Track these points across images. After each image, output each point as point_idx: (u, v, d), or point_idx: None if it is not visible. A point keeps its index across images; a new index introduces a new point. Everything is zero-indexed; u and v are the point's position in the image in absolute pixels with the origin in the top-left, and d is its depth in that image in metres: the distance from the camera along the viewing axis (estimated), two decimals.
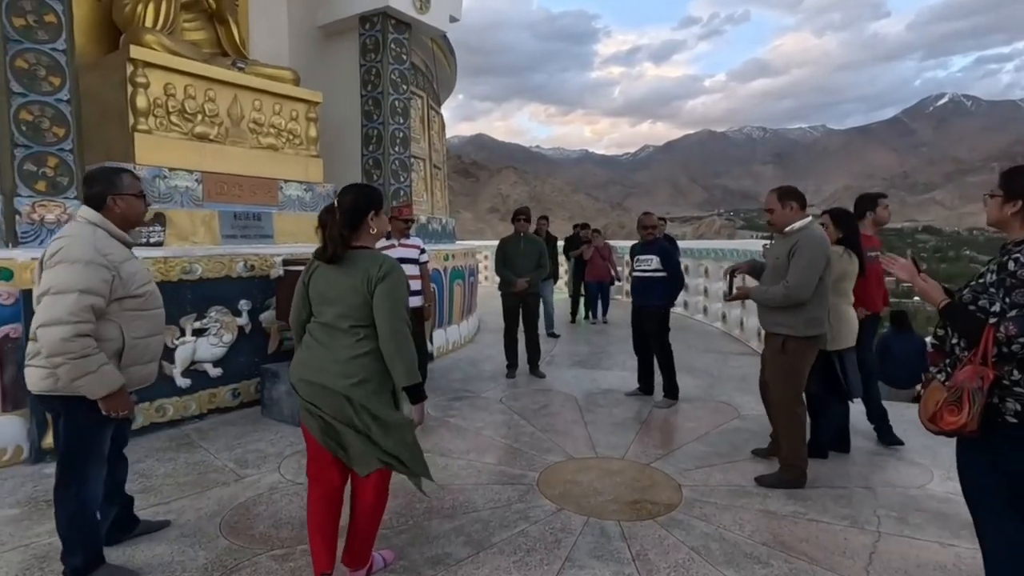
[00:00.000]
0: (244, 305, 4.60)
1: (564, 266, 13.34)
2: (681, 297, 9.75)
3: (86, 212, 2.21)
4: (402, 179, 6.38)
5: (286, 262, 4.54)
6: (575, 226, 10.39)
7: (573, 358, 6.78)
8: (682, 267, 5.05)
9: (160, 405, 4.12)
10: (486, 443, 3.95)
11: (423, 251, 5.01)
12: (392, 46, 6.13)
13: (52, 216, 3.74)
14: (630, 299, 5.20)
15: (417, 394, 2.09)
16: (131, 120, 4.65)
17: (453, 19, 6.75)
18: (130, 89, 4.62)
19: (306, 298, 2.17)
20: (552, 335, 8.05)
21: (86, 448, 2.15)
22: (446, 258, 6.87)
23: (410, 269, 4.87)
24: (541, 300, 7.38)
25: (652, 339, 4.96)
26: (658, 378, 5.03)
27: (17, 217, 3.62)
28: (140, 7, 5.13)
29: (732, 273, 3.63)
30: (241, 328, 4.60)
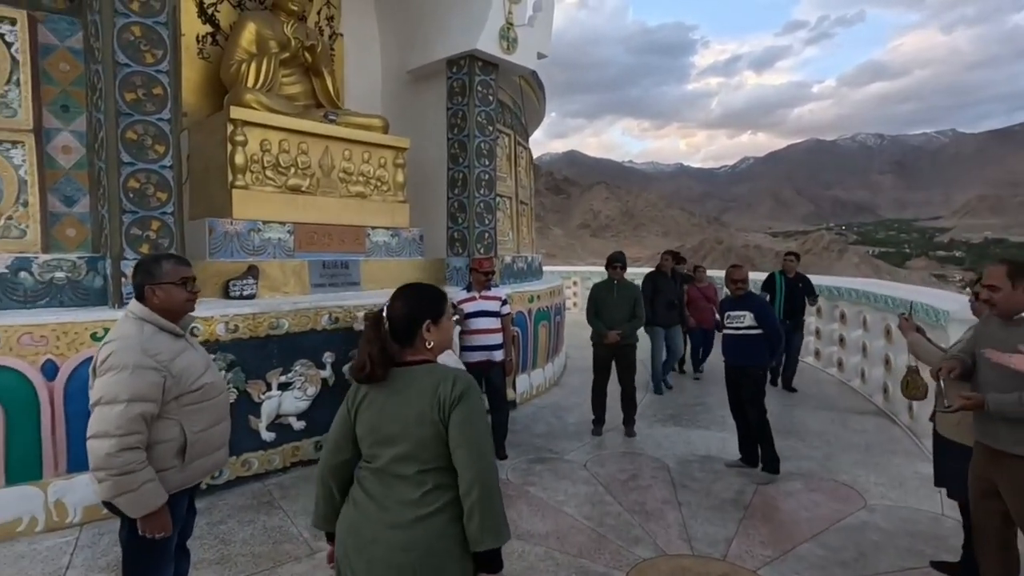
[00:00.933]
0: (328, 358, 4.61)
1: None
2: (812, 345, 8.67)
3: (134, 306, 2.18)
4: (487, 222, 6.25)
5: (367, 316, 4.50)
6: (665, 254, 9.36)
7: (665, 411, 6.27)
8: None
9: (246, 459, 4.18)
10: (567, 525, 3.61)
11: (504, 302, 4.81)
12: (479, 88, 6.05)
13: None
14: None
15: (495, 564, 1.54)
16: (230, 177, 4.86)
17: (541, 56, 6.59)
18: (229, 147, 4.84)
19: (351, 434, 1.65)
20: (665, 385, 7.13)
21: (149, 554, 2.09)
22: (531, 300, 6.64)
23: (491, 322, 4.69)
24: (669, 347, 7.09)
25: (748, 404, 4.42)
26: None
27: (123, 279, 3.81)
28: (244, 66, 5.41)
29: (944, 374, 2.62)
30: (325, 381, 4.61)
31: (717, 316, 7.48)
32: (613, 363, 5.57)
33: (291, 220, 5.15)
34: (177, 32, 4.04)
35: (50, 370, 3.49)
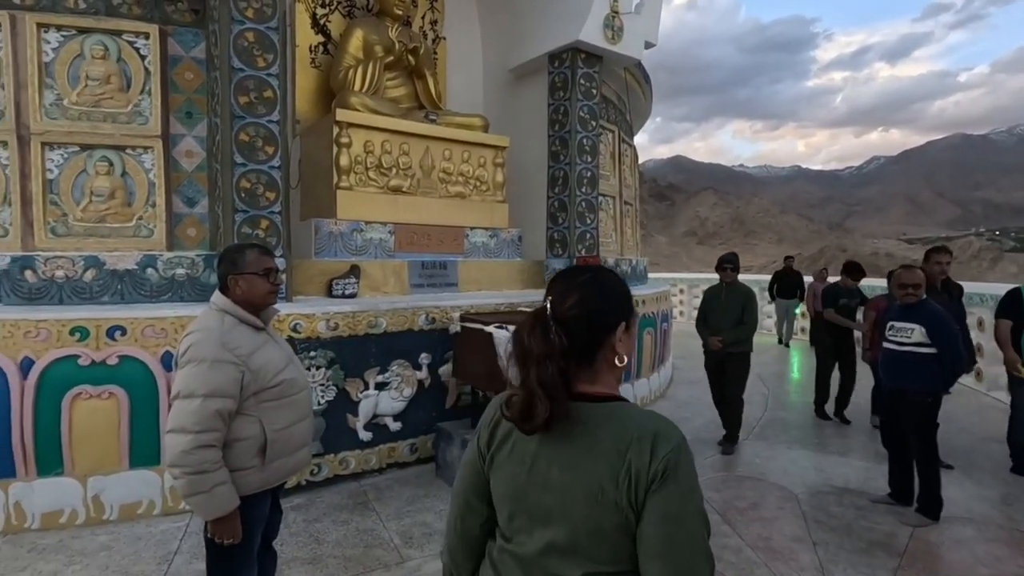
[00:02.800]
0: (424, 359, 4.52)
1: (770, 314, 11.84)
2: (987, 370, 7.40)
3: (216, 297, 2.11)
4: (588, 221, 5.93)
5: (463, 317, 4.36)
6: (788, 258, 8.85)
7: (791, 431, 5.55)
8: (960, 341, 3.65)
9: (343, 458, 4.17)
10: None
11: None
12: (581, 81, 5.77)
13: None
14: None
15: None
16: (335, 178, 4.95)
17: (649, 45, 6.19)
18: (335, 149, 4.93)
19: (484, 495, 1.12)
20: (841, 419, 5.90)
21: (230, 555, 2.00)
22: (636, 305, 6.20)
23: None
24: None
25: (912, 435, 3.70)
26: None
27: None
28: (351, 72, 5.54)
29: None
30: (421, 382, 4.52)
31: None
32: (720, 372, 5.09)
33: (392, 221, 5.16)
34: (287, 37, 4.17)
35: (168, 361, 3.66)
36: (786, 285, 10.68)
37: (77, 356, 3.49)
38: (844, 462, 4.66)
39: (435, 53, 6.59)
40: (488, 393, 4.32)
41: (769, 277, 11.54)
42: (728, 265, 5.10)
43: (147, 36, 4.08)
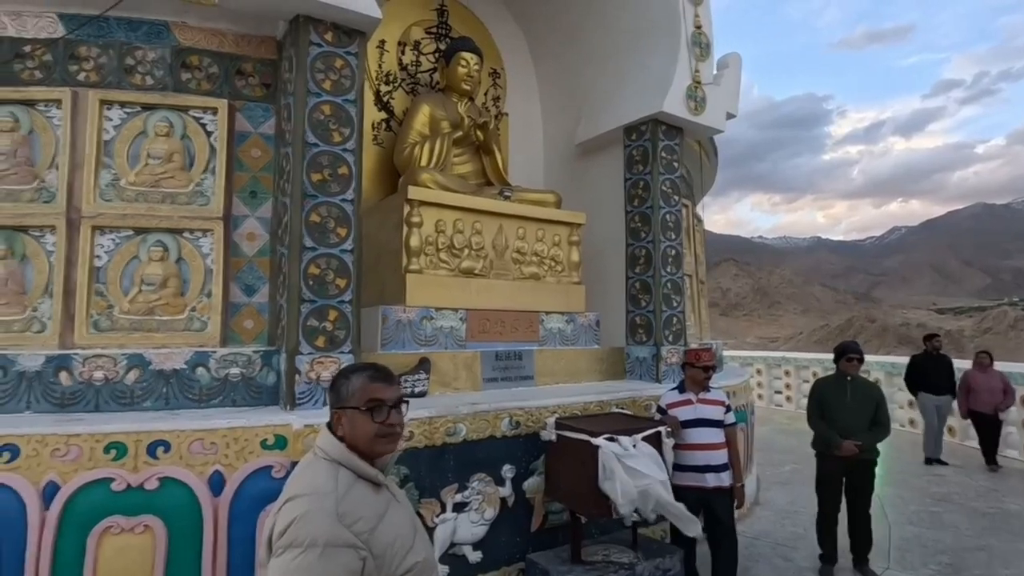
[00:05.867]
0: (508, 472, 3.81)
1: (914, 421, 9.29)
2: None
3: (324, 440, 1.52)
4: (675, 304, 5.32)
5: (560, 424, 3.68)
6: (931, 338, 7.92)
7: (940, 553, 4.61)
8: None
9: None
10: None
11: (729, 408, 3.76)
12: (663, 154, 5.35)
13: (327, 373, 3.44)
14: None
15: None
16: (404, 260, 4.47)
17: (730, 116, 5.81)
18: (405, 230, 4.48)
19: None
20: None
21: None
22: (729, 395, 5.47)
23: (712, 435, 3.65)
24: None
25: None
26: None
27: (297, 376, 3.37)
28: (417, 149, 5.20)
29: None
30: (504, 500, 3.79)
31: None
32: (844, 483, 4.32)
33: (464, 306, 4.62)
34: (362, 111, 3.81)
35: (217, 483, 3.03)
36: (935, 374, 7.75)
37: (111, 479, 2.88)
38: None
39: (498, 130, 6.29)
40: (584, 518, 3.58)
41: (829, 357, 9.89)
42: (855, 356, 4.42)
43: (215, 111, 3.75)
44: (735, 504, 3.71)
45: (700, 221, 7.39)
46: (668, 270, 5.30)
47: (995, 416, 7.38)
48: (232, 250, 3.73)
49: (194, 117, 3.72)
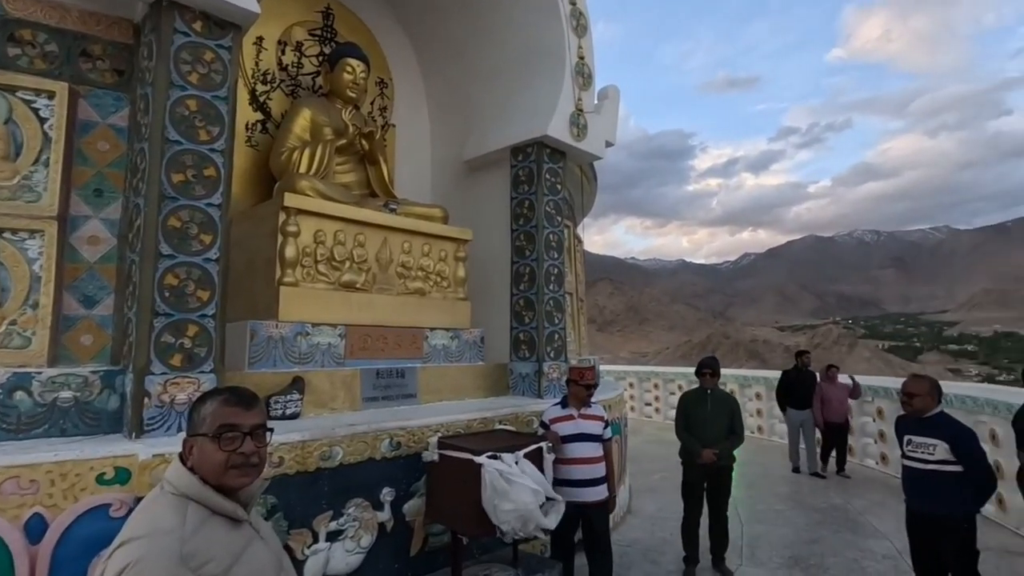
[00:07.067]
0: (388, 495, 3.65)
1: (780, 434, 9.57)
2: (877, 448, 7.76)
3: (173, 472, 1.35)
4: (557, 321, 5.48)
5: (443, 443, 3.59)
6: (802, 354, 8.59)
7: (784, 548, 5.12)
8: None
9: None
10: None
11: (607, 423, 3.92)
12: (547, 176, 5.53)
13: (184, 396, 3.09)
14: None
15: None
16: (278, 272, 4.16)
17: (608, 144, 6.15)
18: (280, 239, 4.18)
19: None
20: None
21: None
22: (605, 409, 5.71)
23: (592, 449, 3.77)
24: None
25: (953, 568, 3.35)
26: None
27: (146, 399, 2.98)
28: (296, 154, 4.91)
29: None
30: (382, 525, 3.62)
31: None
32: (706, 487, 4.72)
33: (343, 321, 4.39)
34: (235, 109, 3.52)
35: (36, 529, 2.57)
36: (800, 389, 8.14)
37: None
38: None
39: (384, 140, 6.14)
40: (465, 538, 3.52)
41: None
42: (707, 370, 4.85)
43: (51, 95, 3.25)
44: (609, 512, 3.85)
45: (580, 241, 7.73)
46: (551, 288, 5.45)
47: (845, 424, 8.12)
48: (68, 255, 3.24)
49: (23, 99, 3.20)
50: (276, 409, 3.78)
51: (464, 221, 5.70)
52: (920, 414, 3.52)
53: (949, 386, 7.61)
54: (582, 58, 5.70)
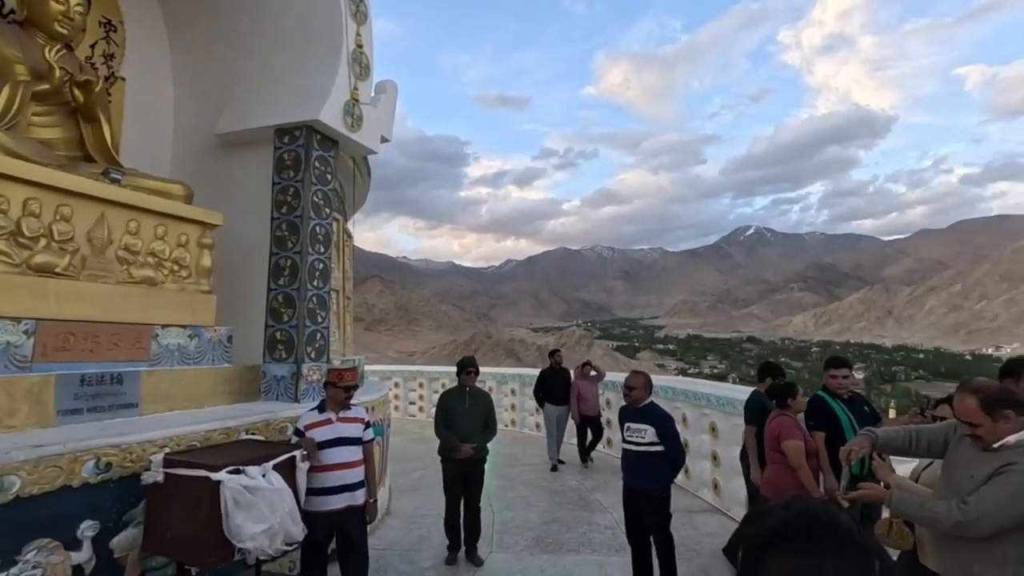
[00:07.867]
0: (88, 530, 2.97)
1: (540, 425, 9.85)
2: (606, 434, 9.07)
3: None
4: (320, 319, 5.14)
5: (171, 460, 3.05)
6: (555, 353, 9.11)
7: (528, 530, 5.59)
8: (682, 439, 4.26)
9: None
10: None
11: (368, 425, 3.79)
12: (316, 164, 5.15)
13: None
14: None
15: None
16: None
17: (384, 139, 6.01)
18: None
19: None
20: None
21: None
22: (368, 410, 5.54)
23: (350, 453, 3.61)
24: None
25: (654, 531, 4.05)
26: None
27: None
28: None
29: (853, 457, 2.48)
30: (78, 568, 2.93)
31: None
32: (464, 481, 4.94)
33: (33, 315, 3.45)
34: None
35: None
36: (556, 387, 8.57)
37: None
38: (582, 561, 4.85)
39: (109, 94, 5.04)
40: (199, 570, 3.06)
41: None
42: (471, 369, 5.08)
43: None
44: (368, 519, 3.73)
45: (350, 237, 7.41)
46: (315, 284, 5.10)
47: (597, 417, 8.78)
48: None
49: None
50: None
51: (213, 203, 4.98)
52: (636, 404, 4.18)
53: (657, 379, 9.30)
54: (360, 46, 5.47)
